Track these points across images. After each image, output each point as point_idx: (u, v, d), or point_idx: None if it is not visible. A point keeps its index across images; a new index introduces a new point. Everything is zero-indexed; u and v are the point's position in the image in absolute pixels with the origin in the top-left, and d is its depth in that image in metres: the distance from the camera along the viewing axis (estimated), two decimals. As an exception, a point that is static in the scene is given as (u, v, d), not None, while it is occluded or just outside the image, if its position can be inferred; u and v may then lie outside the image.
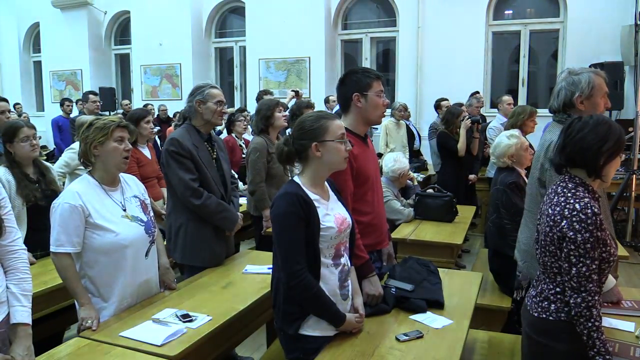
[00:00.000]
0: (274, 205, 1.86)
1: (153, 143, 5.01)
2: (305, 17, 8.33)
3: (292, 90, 6.32)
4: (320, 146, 1.84)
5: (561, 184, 1.73)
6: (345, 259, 1.96)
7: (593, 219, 1.59)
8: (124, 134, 2.16)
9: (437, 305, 2.12)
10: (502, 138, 3.20)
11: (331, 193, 1.98)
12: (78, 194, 2.05)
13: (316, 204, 1.85)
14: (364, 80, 2.22)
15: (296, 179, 1.91)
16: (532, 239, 2.15)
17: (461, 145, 4.92)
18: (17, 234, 1.85)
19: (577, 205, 1.62)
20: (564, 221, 1.63)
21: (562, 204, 1.66)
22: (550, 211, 1.69)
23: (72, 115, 6.92)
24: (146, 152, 3.96)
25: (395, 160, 4.03)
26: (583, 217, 1.60)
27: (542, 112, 6.65)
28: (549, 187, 1.93)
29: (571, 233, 1.60)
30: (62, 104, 7.28)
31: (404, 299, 2.12)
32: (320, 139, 1.84)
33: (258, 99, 5.51)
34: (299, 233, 1.79)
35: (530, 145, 3.41)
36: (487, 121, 6.07)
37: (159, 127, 5.96)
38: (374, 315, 2.05)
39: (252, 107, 7.35)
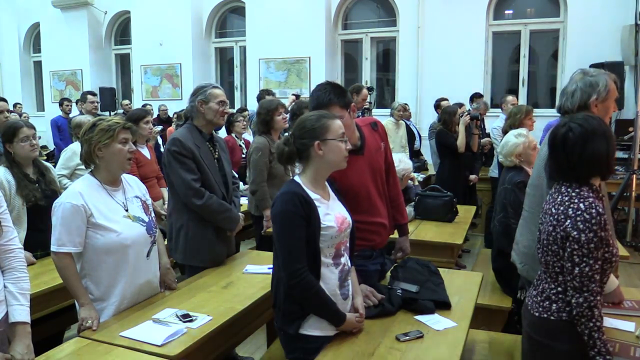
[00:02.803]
0: (274, 204, 1.86)
1: (154, 143, 5.03)
2: (305, 17, 8.33)
3: (293, 94, 6.34)
4: (322, 145, 1.84)
5: (565, 183, 1.73)
6: (345, 259, 1.96)
7: (597, 218, 1.59)
8: (127, 136, 2.16)
9: (444, 306, 2.12)
10: (509, 137, 3.19)
11: (331, 193, 1.98)
12: (80, 193, 2.05)
13: (317, 203, 1.85)
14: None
15: (297, 178, 1.91)
16: (532, 242, 2.14)
17: (460, 141, 4.93)
18: (13, 232, 1.85)
19: (581, 205, 1.62)
20: (568, 220, 1.62)
21: (567, 203, 1.66)
22: (553, 210, 1.69)
23: (71, 115, 6.92)
24: (145, 152, 3.97)
25: (400, 160, 4.01)
26: (587, 216, 1.59)
27: (542, 112, 6.68)
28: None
29: (575, 232, 1.60)
30: (60, 104, 7.27)
31: (411, 300, 2.12)
32: (323, 137, 1.84)
33: (260, 98, 5.50)
34: (299, 232, 1.79)
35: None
36: (486, 121, 6.07)
37: (161, 127, 5.97)
38: (379, 317, 2.05)
39: (252, 106, 7.36)
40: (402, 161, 4.03)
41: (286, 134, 1.94)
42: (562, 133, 1.70)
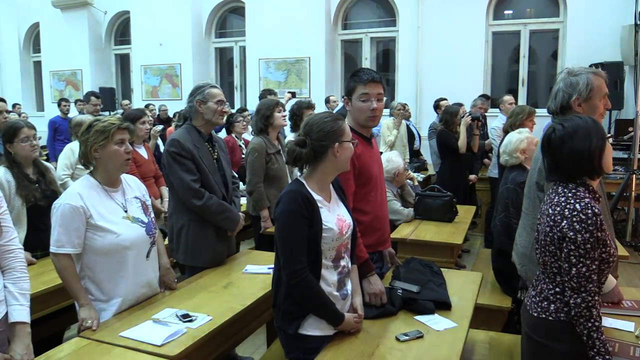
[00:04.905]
0: (279, 203, 1.86)
1: (154, 143, 5.03)
2: (305, 17, 8.33)
3: (289, 92, 6.33)
4: (339, 147, 1.86)
5: (562, 183, 1.73)
6: (345, 261, 1.96)
7: (593, 219, 1.59)
8: (124, 136, 2.14)
9: (444, 306, 2.12)
10: (512, 135, 3.22)
11: (333, 194, 1.98)
12: (79, 194, 2.05)
13: (319, 204, 1.85)
14: (350, 85, 2.23)
15: (301, 178, 1.91)
16: (528, 243, 2.14)
17: (462, 142, 4.94)
18: (13, 233, 1.85)
19: (577, 206, 1.62)
20: (564, 221, 1.63)
21: (563, 204, 1.66)
22: (550, 211, 1.69)
23: (69, 116, 6.92)
24: (142, 151, 3.99)
25: (387, 160, 4.00)
26: (583, 217, 1.60)
27: (542, 112, 6.67)
28: (547, 190, 1.92)
29: (571, 233, 1.60)
30: (59, 104, 7.26)
31: (411, 300, 2.12)
32: (341, 139, 1.87)
33: (261, 97, 5.50)
34: (301, 232, 1.80)
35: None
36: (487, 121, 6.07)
37: (162, 126, 5.97)
38: (380, 317, 2.05)
39: (252, 107, 7.35)
40: (390, 160, 4.01)
41: (297, 135, 1.94)
42: (547, 134, 1.74)
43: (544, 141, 1.75)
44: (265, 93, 5.71)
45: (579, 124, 1.69)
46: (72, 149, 3.84)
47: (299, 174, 1.96)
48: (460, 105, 5.59)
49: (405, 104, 6.75)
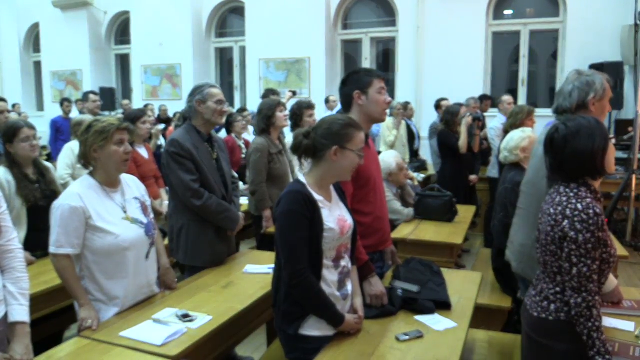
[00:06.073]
0: (280, 203, 1.86)
1: (155, 143, 5.04)
2: (305, 17, 8.34)
3: (290, 91, 6.33)
4: (339, 152, 1.84)
5: (563, 183, 1.73)
6: (345, 261, 1.96)
7: (595, 219, 1.59)
8: (123, 136, 2.14)
9: (444, 306, 2.12)
10: (516, 132, 3.24)
11: (334, 194, 1.98)
12: (79, 195, 2.05)
13: (320, 204, 1.85)
14: (365, 79, 2.25)
15: (301, 178, 1.91)
16: (527, 240, 2.14)
17: (462, 142, 4.94)
18: (13, 233, 1.85)
19: (579, 205, 1.62)
20: (566, 221, 1.63)
21: (564, 203, 1.66)
22: (552, 211, 1.69)
23: (71, 116, 6.92)
24: (143, 152, 3.99)
25: (381, 160, 3.98)
26: (585, 217, 1.60)
27: (542, 112, 6.68)
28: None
29: (572, 233, 1.60)
30: (61, 104, 7.27)
31: (412, 300, 2.12)
32: (343, 145, 1.85)
33: (264, 97, 5.49)
34: (302, 232, 1.79)
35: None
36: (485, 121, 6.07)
37: (164, 125, 5.97)
38: (380, 317, 2.05)
39: (252, 107, 7.36)
40: (382, 161, 3.98)
41: (307, 128, 1.95)
42: (550, 133, 1.74)
43: (547, 141, 1.75)
44: (268, 93, 5.70)
45: (582, 124, 1.69)
46: (72, 148, 3.84)
47: (300, 174, 1.96)
48: (461, 105, 5.59)
49: (408, 103, 6.75)
